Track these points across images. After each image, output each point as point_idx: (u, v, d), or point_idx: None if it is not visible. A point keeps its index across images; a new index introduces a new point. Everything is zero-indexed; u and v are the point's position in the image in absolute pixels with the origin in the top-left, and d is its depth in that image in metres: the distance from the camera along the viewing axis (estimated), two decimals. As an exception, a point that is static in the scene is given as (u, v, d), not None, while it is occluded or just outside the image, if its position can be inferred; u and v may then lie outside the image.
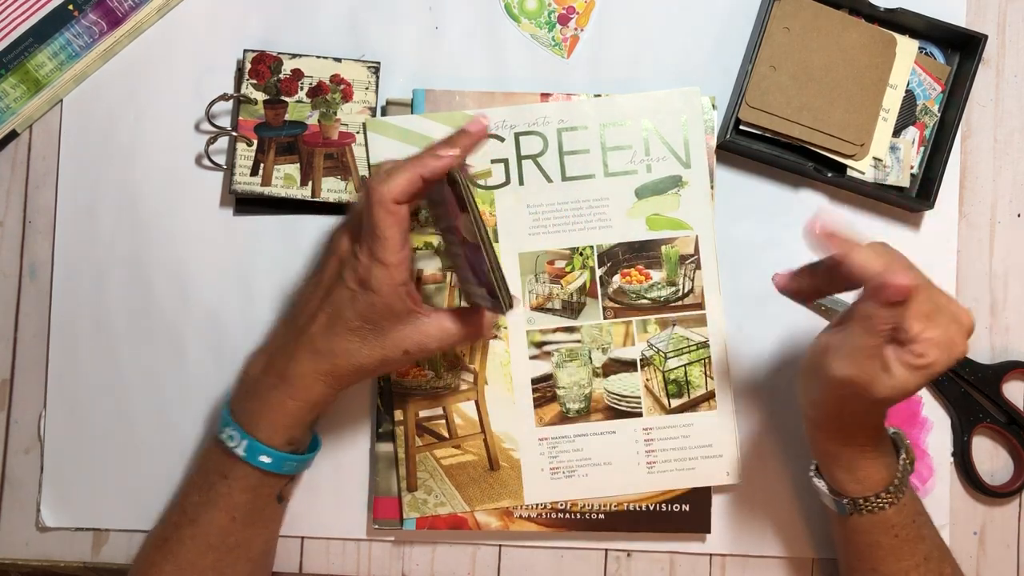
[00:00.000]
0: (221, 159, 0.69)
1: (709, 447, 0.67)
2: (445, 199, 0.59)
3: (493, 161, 0.67)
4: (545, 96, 0.68)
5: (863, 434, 0.58)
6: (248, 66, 0.67)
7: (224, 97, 0.67)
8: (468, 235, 0.57)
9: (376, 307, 0.57)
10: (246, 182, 0.67)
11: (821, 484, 0.61)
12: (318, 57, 0.68)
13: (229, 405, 0.62)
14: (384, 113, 0.68)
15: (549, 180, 0.68)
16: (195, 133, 0.69)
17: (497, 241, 0.67)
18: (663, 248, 0.67)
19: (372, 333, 0.58)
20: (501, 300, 0.57)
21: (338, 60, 0.68)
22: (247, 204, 0.69)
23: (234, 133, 0.67)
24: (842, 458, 0.59)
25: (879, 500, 0.59)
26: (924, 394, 0.70)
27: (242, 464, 0.60)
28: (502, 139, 0.67)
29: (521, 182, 0.68)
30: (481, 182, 0.67)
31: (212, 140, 0.68)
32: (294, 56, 0.67)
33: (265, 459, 0.60)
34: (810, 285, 0.57)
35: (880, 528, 0.60)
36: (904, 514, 0.60)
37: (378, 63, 0.68)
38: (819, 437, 0.60)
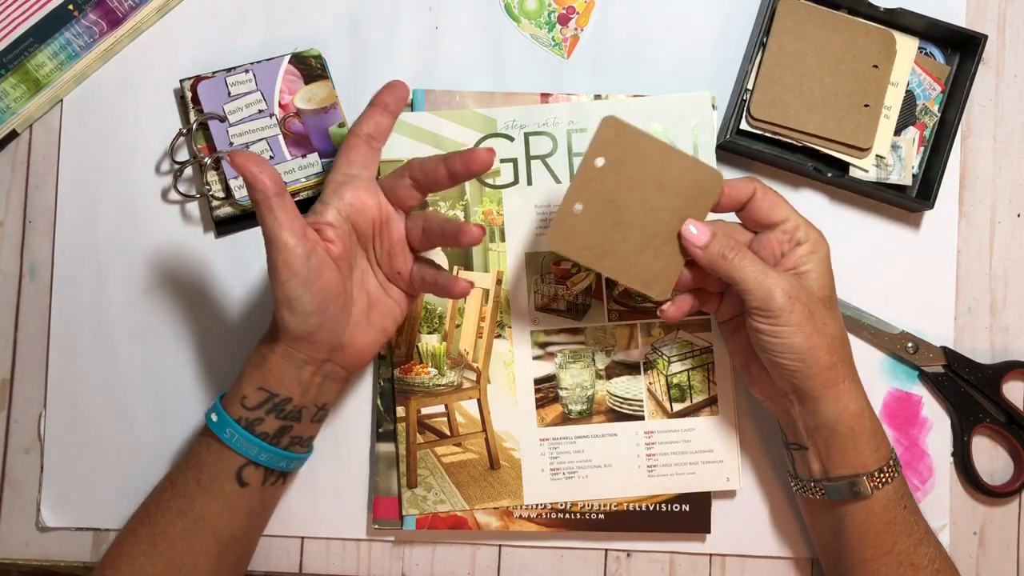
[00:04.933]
0: (213, 184, 0.68)
1: (710, 452, 0.67)
2: None
3: (502, 160, 0.67)
4: (545, 96, 0.68)
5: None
6: (189, 95, 0.67)
7: (181, 133, 0.67)
8: None
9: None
10: (223, 206, 0.67)
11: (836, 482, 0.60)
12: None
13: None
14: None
15: (557, 181, 0.68)
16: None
17: (503, 240, 0.67)
18: (669, 252, 0.67)
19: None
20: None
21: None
22: (231, 223, 0.69)
23: (205, 161, 0.67)
24: (863, 420, 0.59)
25: (894, 466, 0.60)
26: (924, 394, 0.70)
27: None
28: (511, 138, 0.67)
29: (529, 182, 0.68)
30: (489, 181, 0.67)
31: (179, 172, 0.68)
32: (230, 70, 0.67)
33: (213, 416, 0.59)
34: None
35: (896, 499, 0.60)
36: (903, 481, 0.61)
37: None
38: (833, 402, 0.59)
